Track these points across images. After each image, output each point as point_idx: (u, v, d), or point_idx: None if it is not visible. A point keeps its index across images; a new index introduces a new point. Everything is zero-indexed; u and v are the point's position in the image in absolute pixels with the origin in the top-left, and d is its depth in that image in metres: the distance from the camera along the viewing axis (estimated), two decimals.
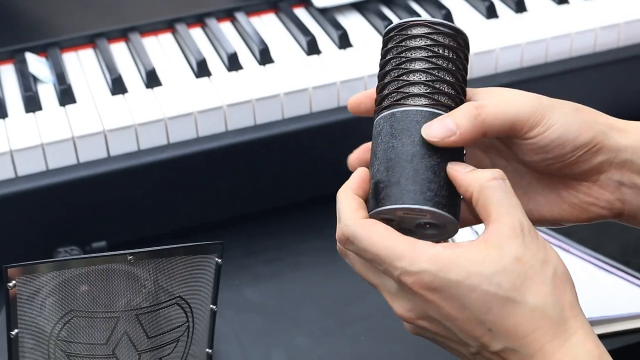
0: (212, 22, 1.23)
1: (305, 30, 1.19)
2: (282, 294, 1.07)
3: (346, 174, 1.16)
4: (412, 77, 0.72)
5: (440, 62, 0.72)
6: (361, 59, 1.16)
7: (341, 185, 1.15)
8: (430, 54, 0.72)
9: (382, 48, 0.75)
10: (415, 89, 0.71)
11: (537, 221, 0.77)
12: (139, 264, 0.84)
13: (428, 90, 0.71)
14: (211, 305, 0.89)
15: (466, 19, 1.22)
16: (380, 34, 1.21)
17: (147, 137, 1.07)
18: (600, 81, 1.23)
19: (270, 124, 1.11)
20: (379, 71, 0.74)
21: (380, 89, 0.74)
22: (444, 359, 0.81)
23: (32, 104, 1.09)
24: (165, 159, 1.08)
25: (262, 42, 1.17)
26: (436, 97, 0.71)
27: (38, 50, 1.19)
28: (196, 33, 1.22)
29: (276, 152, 1.12)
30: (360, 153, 0.78)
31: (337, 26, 1.20)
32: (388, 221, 0.70)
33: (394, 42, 0.73)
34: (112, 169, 1.06)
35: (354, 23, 1.23)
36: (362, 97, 0.76)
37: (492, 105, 0.70)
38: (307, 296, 1.07)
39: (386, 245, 0.66)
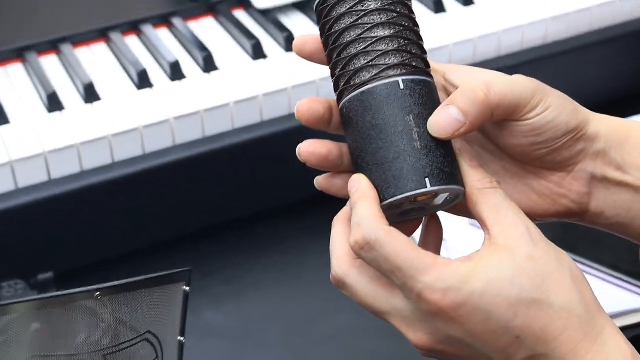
0: (148, 29, 1.16)
1: (248, 34, 1.13)
2: (245, 315, 1.01)
3: (303, 184, 1.11)
4: (383, 46, 0.65)
5: (404, 23, 0.66)
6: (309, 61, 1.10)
7: (299, 195, 1.11)
8: (393, 15, 0.66)
9: (324, 18, 0.67)
10: (391, 59, 0.65)
11: None
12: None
13: (405, 58, 0.65)
14: (179, 337, 0.82)
15: None
16: None
17: (90, 156, 1.00)
18: (552, 72, 1.20)
19: (220, 136, 1.05)
20: (331, 45, 0.67)
21: (342, 66, 0.66)
22: None
23: None
24: (110, 180, 1.01)
25: (205, 48, 1.11)
26: (412, 62, 0.65)
27: None
28: (132, 41, 1.15)
29: (228, 165, 1.06)
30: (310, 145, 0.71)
31: (282, 28, 1.15)
32: None
33: (344, 7, 0.66)
34: (54, 193, 0.99)
35: (298, 24, 1.18)
36: (308, 37, 0.70)
37: (498, 84, 0.66)
38: (271, 316, 1.01)
39: (411, 256, 0.61)
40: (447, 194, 0.65)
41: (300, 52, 0.71)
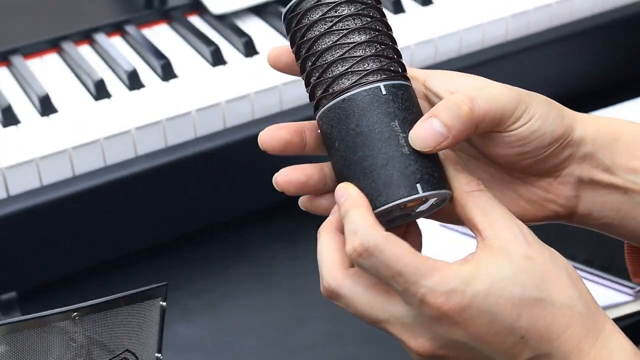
0: (101, 37, 1.12)
1: (206, 40, 1.11)
2: (219, 327, 0.98)
3: (269, 190, 1.09)
4: (360, 52, 0.63)
5: (379, 27, 0.64)
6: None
7: (265, 202, 1.08)
8: (367, 20, 0.64)
9: (295, 26, 0.64)
10: (370, 64, 0.63)
11: None
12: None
13: (383, 63, 0.63)
14: (157, 354, 0.79)
15: None
16: (285, 36, 1.13)
17: (50, 171, 0.97)
18: (513, 70, 1.19)
19: (183, 145, 1.02)
20: (305, 54, 0.64)
21: (319, 74, 0.64)
22: None
23: None
24: (71, 194, 0.97)
25: (162, 56, 1.08)
26: (391, 66, 0.63)
27: None
28: (85, 51, 1.12)
29: (192, 174, 1.03)
30: (287, 173, 0.68)
31: (240, 33, 1.12)
32: None
33: (316, 14, 0.64)
34: (13, 209, 0.95)
35: (255, 28, 1.15)
36: (283, 49, 0.67)
37: (482, 97, 0.63)
38: (246, 327, 0.98)
39: (412, 261, 0.58)
40: (435, 199, 0.64)
41: (275, 64, 0.68)
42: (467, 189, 0.63)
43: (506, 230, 0.61)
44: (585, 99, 1.23)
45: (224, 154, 1.03)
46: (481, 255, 0.61)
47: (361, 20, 0.64)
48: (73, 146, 0.97)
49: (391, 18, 1.15)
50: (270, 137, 0.66)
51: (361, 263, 0.60)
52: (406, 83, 0.64)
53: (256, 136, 1.02)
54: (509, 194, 0.70)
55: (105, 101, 1.03)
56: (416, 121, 0.63)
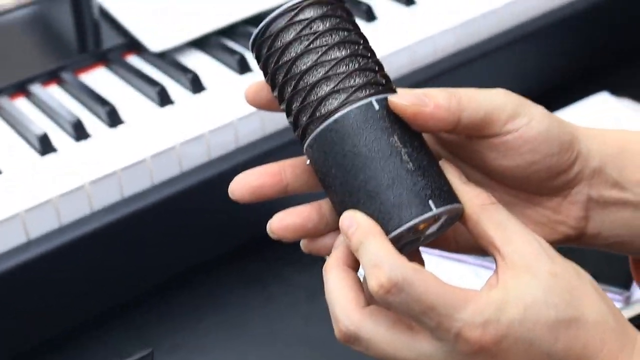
0: (37, 88, 1.06)
1: (150, 81, 1.05)
2: None
3: (236, 231, 1.04)
4: (344, 67, 0.59)
5: (358, 39, 0.60)
6: (220, 101, 1.03)
7: (232, 244, 1.02)
8: (345, 34, 0.60)
9: (268, 51, 0.60)
10: (356, 80, 0.59)
11: None
12: None
13: (369, 76, 0.59)
14: None
15: None
16: (232, 69, 1.08)
17: (0, 238, 0.90)
18: (465, 79, 1.16)
19: (140, 194, 0.96)
20: (283, 79, 0.60)
21: (302, 98, 0.59)
22: None
23: None
24: (25, 261, 0.91)
25: (105, 102, 1.02)
26: (377, 79, 0.60)
27: None
28: (22, 104, 1.05)
29: (152, 224, 0.97)
30: (281, 219, 0.63)
31: (184, 70, 1.06)
32: None
33: (290, 34, 0.60)
34: None
35: (199, 63, 1.09)
36: (261, 84, 0.63)
37: (463, 90, 0.61)
38: None
39: (443, 293, 0.54)
40: (445, 217, 0.59)
41: (255, 102, 0.63)
42: (478, 202, 0.59)
43: (526, 245, 0.58)
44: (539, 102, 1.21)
45: (184, 198, 0.98)
46: (505, 277, 0.57)
47: (339, 34, 0.60)
48: (25, 209, 0.90)
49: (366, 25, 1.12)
50: (239, 187, 0.62)
51: (390, 300, 0.55)
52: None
53: (215, 177, 0.99)
54: (517, 217, 0.66)
55: (52, 156, 0.97)
56: (414, 133, 0.59)
